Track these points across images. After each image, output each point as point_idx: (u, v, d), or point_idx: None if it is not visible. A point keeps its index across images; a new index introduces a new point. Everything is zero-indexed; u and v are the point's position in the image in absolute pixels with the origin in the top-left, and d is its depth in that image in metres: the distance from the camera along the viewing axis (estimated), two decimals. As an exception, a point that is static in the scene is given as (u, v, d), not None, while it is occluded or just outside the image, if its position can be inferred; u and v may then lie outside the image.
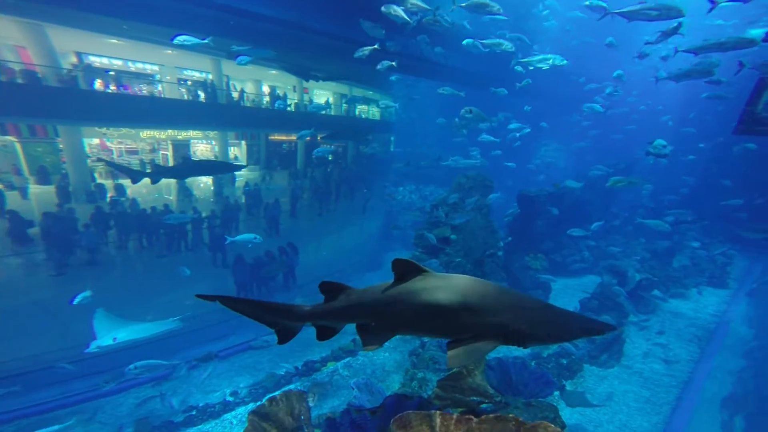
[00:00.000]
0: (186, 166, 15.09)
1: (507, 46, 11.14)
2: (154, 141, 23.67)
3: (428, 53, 16.83)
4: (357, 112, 29.43)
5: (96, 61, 18.57)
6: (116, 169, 16.54)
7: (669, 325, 11.78)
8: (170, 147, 23.78)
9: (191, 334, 10.59)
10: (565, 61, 10.42)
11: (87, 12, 11.72)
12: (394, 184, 26.67)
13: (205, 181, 21.85)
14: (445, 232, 11.06)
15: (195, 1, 11.84)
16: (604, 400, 8.21)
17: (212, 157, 23.69)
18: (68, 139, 16.52)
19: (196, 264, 12.44)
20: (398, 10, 9.57)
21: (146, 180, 14.65)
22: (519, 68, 14.53)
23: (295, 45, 15.40)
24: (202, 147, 26.32)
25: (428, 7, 10.31)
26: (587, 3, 10.73)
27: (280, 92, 24.67)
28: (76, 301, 8.62)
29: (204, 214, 14.96)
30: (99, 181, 17.67)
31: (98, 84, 17.10)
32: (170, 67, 20.66)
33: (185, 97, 20.63)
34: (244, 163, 24.12)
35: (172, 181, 18.03)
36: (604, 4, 10.60)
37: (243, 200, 18.40)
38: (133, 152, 23.50)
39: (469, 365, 4.17)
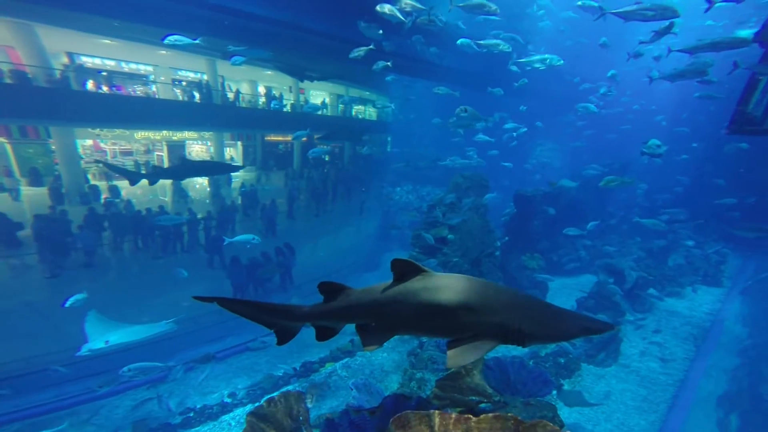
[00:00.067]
0: (183, 167, 15.01)
1: (504, 46, 11.17)
2: (149, 142, 23.48)
3: (423, 53, 16.86)
4: (353, 113, 29.39)
5: (88, 61, 18.38)
6: (114, 171, 16.40)
7: (665, 324, 11.86)
8: (165, 148, 23.60)
9: (188, 336, 10.52)
10: (561, 61, 10.47)
11: (77, 12, 11.61)
12: (392, 184, 26.70)
13: (201, 182, 21.72)
14: (442, 232, 11.07)
15: (189, 1, 11.79)
16: (601, 399, 8.25)
17: (208, 158, 23.55)
18: (60, 140, 16.34)
19: (192, 265, 12.35)
20: (393, 10, 9.57)
21: (142, 181, 14.56)
22: (515, 68, 14.61)
23: (290, 45, 15.37)
24: (198, 148, 26.16)
25: (422, 7, 10.33)
26: (579, 3, 10.80)
27: (276, 93, 24.58)
28: (68, 303, 8.48)
29: (200, 216, 14.87)
30: (93, 182, 17.48)
31: (90, 84, 16.93)
32: (164, 67, 20.51)
33: (180, 97, 20.50)
34: (240, 163, 23.99)
35: (168, 182, 17.91)
36: (597, 5, 10.68)
37: (239, 201, 18.31)
38: (127, 153, 23.28)
39: (468, 365, 4.16)
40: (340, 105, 27.41)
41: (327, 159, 26.99)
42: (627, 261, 13.95)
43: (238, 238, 11.50)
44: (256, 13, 13.32)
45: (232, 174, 20.71)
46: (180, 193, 18.63)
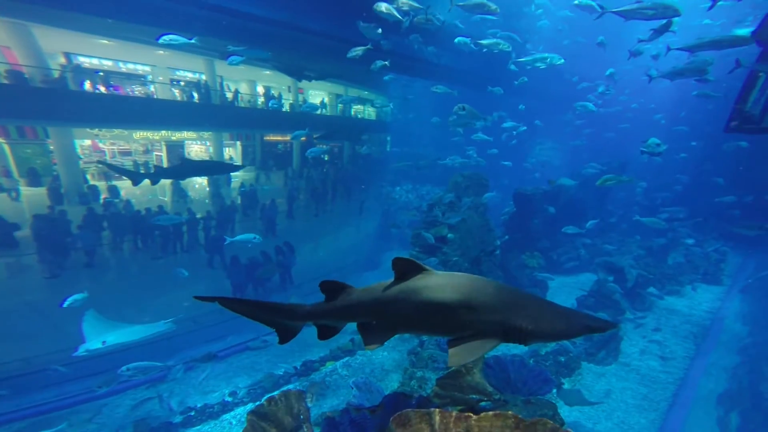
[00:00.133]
0: (185, 167, 15.02)
1: (504, 46, 11.16)
2: (148, 142, 23.46)
3: (421, 52, 16.86)
4: (352, 112, 29.38)
5: (86, 61, 18.35)
6: (117, 172, 16.41)
7: (665, 322, 11.87)
8: (164, 148, 23.59)
9: (188, 336, 10.52)
10: (562, 60, 10.44)
11: (74, 12, 11.57)
12: (391, 183, 26.70)
13: (200, 182, 21.71)
14: (442, 231, 11.08)
15: (186, 1, 11.77)
16: (602, 398, 8.25)
17: (207, 158, 23.55)
18: (59, 140, 16.32)
19: (192, 265, 12.34)
20: (390, 9, 9.56)
21: (143, 181, 14.55)
22: (513, 67, 14.60)
23: (289, 45, 15.37)
24: (197, 148, 26.14)
25: (420, 6, 10.33)
26: (576, 2, 10.78)
27: (275, 93, 24.57)
28: (66, 303, 8.43)
29: (199, 215, 14.86)
30: (92, 182, 17.47)
31: (88, 85, 16.90)
32: (162, 67, 20.48)
33: (178, 97, 20.47)
34: (239, 163, 23.97)
35: (167, 182, 17.90)
36: (594, 4, 10.67)
37: (239, 201, 18.30)
38: (126, 153, 23.27)
39: (468, 363, 4.16)
40: (339, 105, 27.40)
41: (326, 159, 26.99)
42: (627, 259, 13.97)
43: (239, 237, 11.50)
44: (254, 13, 13.32)
45: (231, 174, 20.72)
46: (179, 193, 18.62)
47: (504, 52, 11.52)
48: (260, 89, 25.28)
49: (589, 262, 16.13)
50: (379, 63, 11.83)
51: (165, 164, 22.25)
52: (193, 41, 10.05)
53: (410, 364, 8.39)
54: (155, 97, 19.66)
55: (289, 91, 25.54)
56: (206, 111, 19.34)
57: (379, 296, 2.45)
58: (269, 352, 10.33)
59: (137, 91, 20.17)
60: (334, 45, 14.44)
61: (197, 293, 2.59)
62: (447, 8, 9.52)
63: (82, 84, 16.47)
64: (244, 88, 24.29)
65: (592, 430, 7.32)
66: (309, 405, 3.58)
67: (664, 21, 8.39)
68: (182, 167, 14.90)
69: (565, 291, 13.81)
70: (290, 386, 8.84)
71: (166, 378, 8.92)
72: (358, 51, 10.65)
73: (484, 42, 11.27)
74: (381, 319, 2.48)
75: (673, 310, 12.74)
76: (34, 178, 17.29)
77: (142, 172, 17.77)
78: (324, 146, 19.64)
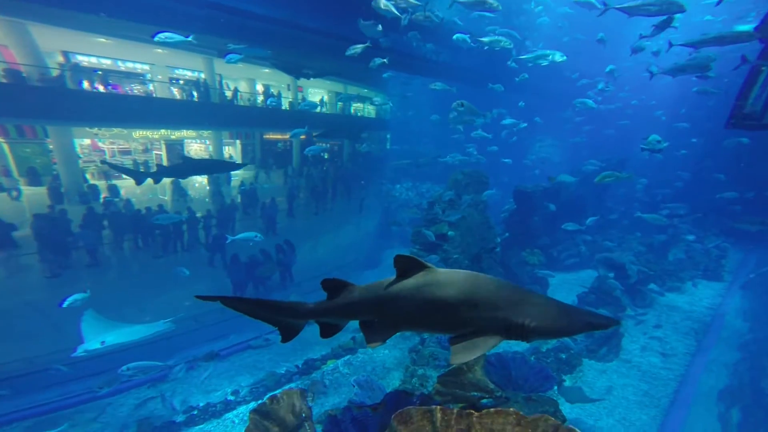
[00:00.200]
0: (187, 165, 15.03)
1: (506, 43, 11.12)
2: (147, 141, 23.43)
3: (420, 50, 16.82)
4: (352, 110, 29.33)
5: (84, 60, 18.28)
6: (120, 171, 16.43)
7: (665, 319, 11.87)
8: (164, 147, 23.56)
9: (190, 335, 10.54)
10: (564, 57, 10.37)
11: (71, 10, 11.52)
12: (391, 181, 26.70)
13: (200, 181, 21.70)
14: (442, 228, 11.07)
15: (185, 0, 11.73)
16: (603, 394, 8.26)
17: (207, 157, 23.52)
18: (58, 139, 16.29)
19: (193, 264, 12.36)
20: (388, 5, 9.53)
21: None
22: (513, 64, 14.56)
23: (287, 43, 15.31)
24: (196, 146, 26.09)
25: (418, 2, 10.29)
26: None
27: (274, 91, 24.51)
28: (65, 303, 8.38)
29: (199, 214, 14.85)
30: (91, 181, 17.46)
31: (86, 84, 16.86)
32: (161, 66, 20.43)
33: (177, 96, 20.43)
34: (239, 162, 23.95)
35: (167, 181, 17.89)
36: (594, 0, 10.63)
37: (239, 200, 18.29)
38: (125, 152, 23.24)
39: (470, 361, 4.16)
40: (339, 103, 27.35)
41: (326, 157, 26.97)
42: (627, 255, 13.95)
43: (241, 235, 11.50)
44: (253, 11, 13.28)
45: (231, 173, 20.72)
46: (179, 192, 18.61)
47: (505, 49, 11.48)
48: (260, 87, 25.23)
49: (589, 259, 16.13)
50: (378, 60, 11.79)
51: (165, 163, 22.22)
52: (189, 39, 9.97)
53: (411, 362, 8.40)
54: (154, 95, 19.62)
55: (289, 90, 25.49)
56: (205, 109, 19.31)
57: (381, 294, 2.44)
58: (271, 351, 10.36)
59: (136, 89, 20.12)
60: (332, 43, 14.39)
61: (198, 292, 2.58)
62: (446, 5, 9.50)
63: (80, 83, 16.43)
64: (243, 87, 24.23)
65: (593, 426, 7.33)
66: (310, 404, 3.58)
67: (665, 17, 8.35)
68: (184, 166, 14.90)
69: (565, 288, 13.82)
70: (292, 385, 8.86)
71: (168, 377, 8.94)
72: (356, 49, 10.61)
73: (485, 39, 11.22)
74: (383, 316, 2.48)
75: (674, 307, 12.75)
76: (33, 177, 17.27)
77: (142, 171, 17.76)
78: (323, 144, 19.62)
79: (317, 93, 28.73)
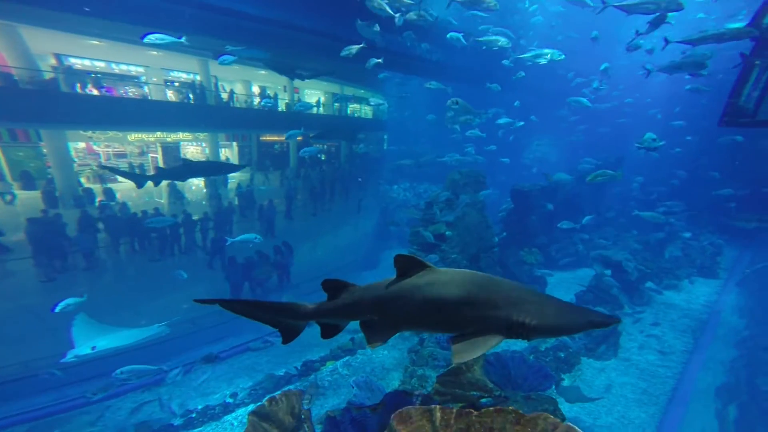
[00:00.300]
0: (187, 168, 14.98)
1: (504, 42, 11.15)
2: (143, 144, 23.31)
3: (415, 49, 16.82)
4: (349, 111, 29.31)
5: (77, 62, 18.15)
6: (120, 175, 16.39)
7: (663, 317, 11.93)
8: (159, 150, 23.44)
9: (187, 338, 10.48)
10: (562, 56, 10.39)
11: (61, 11, 11.38)
12: (389, 182, 26.70)
13: (197, 184, 21.61)
14: (440, 228, 11.08)
15: (177, 0, 11.67)
16: (602, 393, 8.28)
17: (204, 159, 23.43)
18: (52, 143, 16.15)
19: (190, 267, 12.30)
20: (382, 4, 9.54)
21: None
22: (507, 63, 14.60)
23: (282, 43, 15.28)
24: (193, 149, 25.99)
25: (412, 1, 10.29)
26: None
27: (270, 92, 24.46)
28: (58, 308, 8.26)
29: (196, 217, 14.79)
30: (86, 185, 17.34)
31: (79, 86, 16.73)
32: (156, 68, 20.33)
33: (172, 98, 20.34)
34: (238, 164, 23.87)
35: (164, 184, 17.81)
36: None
37: (236, 202, 18.23)
38: (121, 155, 23.11)
39: (469, 360, 4.15)
40: (335, 104, 27.32)
41: (323, 158, 26.93)
42: (623, 253, 14.01)
43: (240, 237, 11.47)
44: (247, 12, 13.23)
45: (228, 175, 20.64)
46: (176, 195, 18.52)
47: (502, 48, 11.50)
48: (256, 89, 25.16)
49: (587, 258, 16.21)
50: (373, 61, 11.80)
51: (161, 166, 22.12)
52: (182, 40, 9.86)
53: (411, 363, 8.39)
54: (149, 98, 19.52)
55: (285, 91, 25.44)
56: (201, 112, 19.22)
57: (381, 294, 2.43)
58: (269, 353, 10.31)
59: (131, 92, 20.01)
60: (327, 43, 14.37)
61: (196, 295, 2.57)
62: (441, 4, 9.52)
63: (73, 86, 16.31)
64: (239, 89, 24.15)
65: (592, 425, 7.35)
66: (305, 406, 3.56)
67: (659, 15, 8.40)
68: (184, 168, 14.86)
69: (563, 286, 13.86)
70: (291, 386, 8.82)
71: (165, 381, 8.88)
72: (351, 49, 10.60)
73: (482, 39, 11.25)
74: (383, 316, 2.47)
75: (671, 305, 12.81)
76: (27, 181, 17.12)
77: (137, 173, 17.69)
78: (318, 145, 19.59)
79: (314, 94, 28.69)
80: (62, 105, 14.17)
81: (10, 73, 13.60)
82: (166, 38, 9.63)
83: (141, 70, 20.52)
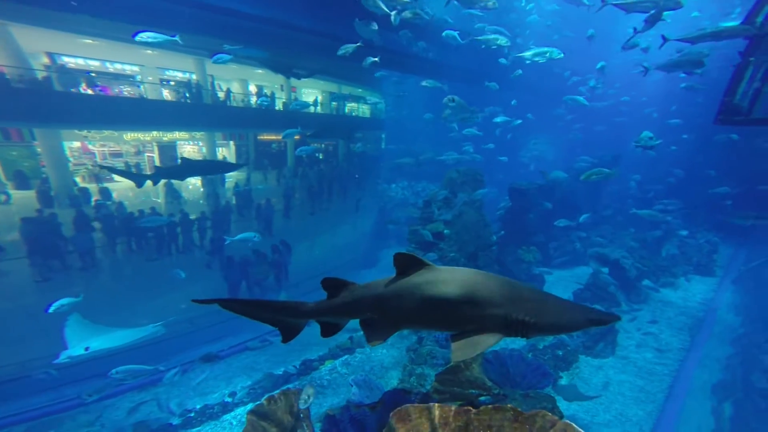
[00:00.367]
0: (186, 167, 14.92)
1: (503, 41, 11.15)
2: (139, 143, 23.17)
3: (411, 48, 16.79)
4: (346, 110, 29.24)
5: (70, 61, 17.99)
6: (119, 175, 16.30)
7: (660, 314, 11.99)
8: (156, 149, 23.31)
9: (185, 337, 10.45)
10: (561, 54, 10.38)
11: (53, 10, 11.28)
12: (387, 181, 26.70)
13: (194, 183, 21.52)
14: (438, 227, 11.08)
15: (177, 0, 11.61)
16: (600, 390, 8.32)
17: (201, 159, 23.33)
18: (46, 142, 16.01)
19: (187, 266, 12.25)
20: (377, 2, 9.52)
21: (133, 183, 14.40)
22: (504, 61, 14.60)
23: (279, 43, 15.23)
24: (189, 148, 25.84)
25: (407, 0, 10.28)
26: None
27: (267, 91, 24.37)
28: (51, 309, 8.15)
29: (193, 216, 14.73)
30: (82, 184, 17.21)
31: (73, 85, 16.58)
32: (151, 67, 20.20)
33: (168, 97, 20.23)
34: (237, 163, 23.78)
35: (160, 183, 17.73)
36: None
37: (234, 201, 18.18)
38: (117, 155, 22.96)
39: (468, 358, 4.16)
40: (333, 102, 27.26)
41: (321, 157, 26.88)
42: (619, 251, 14.07)
43: (239, 236, 11.43)
44: (243, 11, 13.17)
45: (225, 174, 20.56)
46: (173, 194, 18.42)
47: (500, 47, 11.51)
48: (252, 88, 25.06)
49: (584, 256, 16.26)
50: (369, 59, 11.77)
51: (160, 165, 22.00)
52: (175, 38, 9.74)
53: (409, 361, 8.39)
54: (145, 97, 19.40)
55: (282, 90, 25.35)
56: (198, 111, 19.13)
57: (381, 292, 2.43)
58: (268, 352, 10.30)
59: (126, 91, 19.88)
60: (324, 42, 14.33)
61: (193, 294, 2.55)
62: (437, 3, 9.50)
63: (66, 84, 16.16)
64: (236, 88, 24.05)
65: (590, 422, 7.37)
66: (301, 407, 3.55)
67: (654, 11, 8.41)
68: (183, 167, 14.80)
69: (561, 284, 13.89)
70: (290, 385, 8.81)
71: (164, 381, 8.85)
72: (348, 48, 10.57)
73: (481, 38, 11.24)
74: (383, 315, 2.47)
75: (668, 302, 12.88)
76: (21, 180, 16.96)
77: (134, 172, 17.61)
78: (315, 144, 19.53)
79: (311, 93, 28.61)
80: (55, 104, 14.05)
81: (2, 72, 13.47)
82: (158, 36, 9.46)
83: (136, 69, 20.37)
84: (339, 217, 20.96)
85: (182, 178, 16.44)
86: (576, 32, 19.05)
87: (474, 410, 2.30)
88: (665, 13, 8.41)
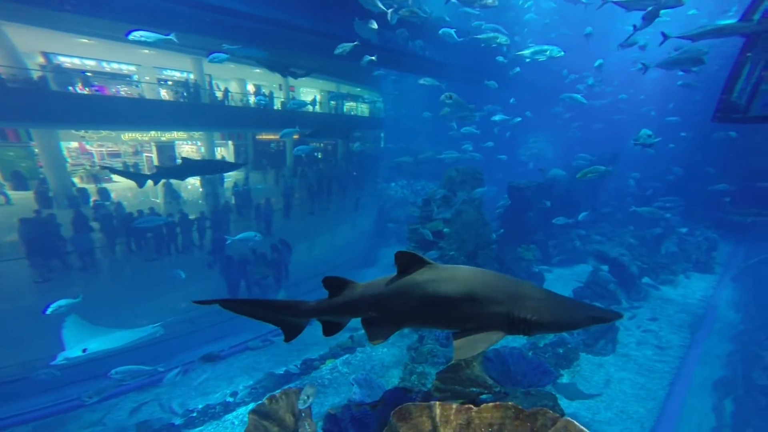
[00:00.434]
0: (186, 166, 14.89)
1: (502, 39, 11.12)
2: (137, 143, 23.11)
3: (408, 47, 16.76)
4: (345, 109, 29.20)
5: (66, 61, 17.91)
6: (120, 175, 16.27)
7: (660, 312, 12.00)
8: (154, 149, 23.26)
9: (186, 337, 10.45)
10: (562, 53, 10.35)
11: (48, 9, 11.21)
12: (386, 179, 26.68)
13: (193, 183, 21.48)
14: (438, 226, 11.07)
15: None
16: (601, 388, 8.32)
17: (199, 158, 23.29)
18: (43, 142, 15.95)
19: (187, 266, 12.24)
20: (375, 0, 9.50)
21: (132, 183, 14.34)
22: (502, 59, 14.57)
23: (277, 42, 15.19)
24: (188, 148, 25.78)
25: None
26: None
27: (265, 91, 24.33)
28: (49, 310, 8.06)
29: (192, 216, 14.71)
30: (80, 185, 17.16)
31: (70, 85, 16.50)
32: (148, 67, 20.13)
33: (165, 97, 20.17)
34: (238, 162, 23.74)
35: (160, 183, 17.71)
36: None
37: (233, 201, 18.15)
38: (115, 155, 22.90)
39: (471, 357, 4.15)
40: (331, 102, 27.22)
41: (320, 156, 26.86)
42: (619, 249, 14.08)
43: (240, 235, 11.41)
44: (240, 10, 13.13)
45: (224, 174, 20.53)
46: (172, 194, 18.38)
47: (499, 45, 11.48)
48: (251, 87, 25.01)
49: (584, 253, 16.29)
50: (367, 58, 11.73)
51: (160, 165, 21.96)
52: (170, 37, 9.63)
53: (410, 360, 8.39)
54: (143, 96, 19.34)
55: (281, 89, 25.30)
56: (196, 110, 19.08)
57: (382, 291, 2.42)
58: (269, 352, 10.30)
59: (123, 91, 19.81)
60: (321, 41, 14.30)
61: (193, 294, 2.55)
62: (436, 1, 9.49)
63: (62, 84, 16.09)
64: (234, 87, 24.00)
65: (591, 420, 7.38)
66: (301, 407, 3.54)
67: (651, 9, 8.39)
68: (183, 167, 14.78)
69: (561, 282, 13.90)
70: (291, 385, 8.80)
71: (165, 381, 8.84)
72: (345, 47, 10.54)
73: (481, 36, 11.22)
74: (385, 313, 2.46)
75: (668, 300, 12.89)
76: (19, 181, 16.90)
77: (132, 171, 17.57)
78: (314, 144, 19.50)
79: (310, 92, 28.57)
80: (52, 104, 14.00)
81: (-3, 71, 13.39)
82: (152, 35, 9.29)
83: (133, 68, 20.31)
84: (338, 216, 20.94)
85: (183, 177, 16.44)
86: (574, 30, 19.04)
87: (475, 408, 2.30)
88: (663, 11, 8.41)
